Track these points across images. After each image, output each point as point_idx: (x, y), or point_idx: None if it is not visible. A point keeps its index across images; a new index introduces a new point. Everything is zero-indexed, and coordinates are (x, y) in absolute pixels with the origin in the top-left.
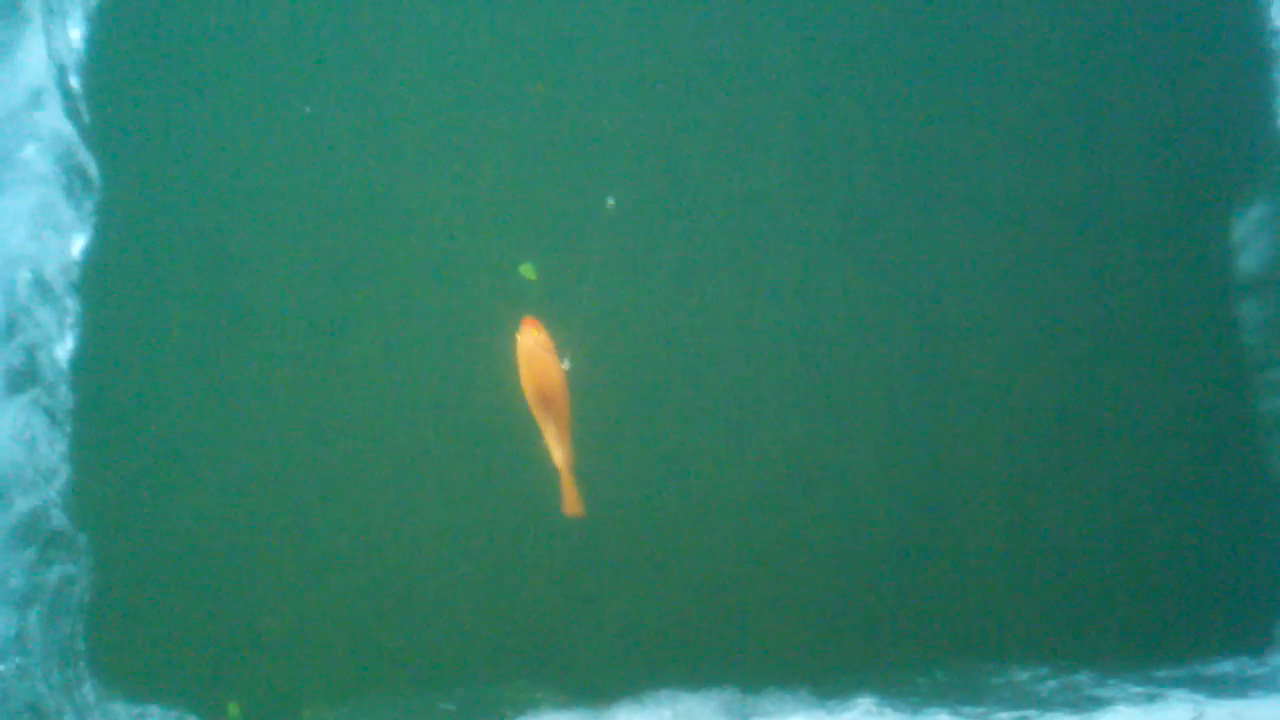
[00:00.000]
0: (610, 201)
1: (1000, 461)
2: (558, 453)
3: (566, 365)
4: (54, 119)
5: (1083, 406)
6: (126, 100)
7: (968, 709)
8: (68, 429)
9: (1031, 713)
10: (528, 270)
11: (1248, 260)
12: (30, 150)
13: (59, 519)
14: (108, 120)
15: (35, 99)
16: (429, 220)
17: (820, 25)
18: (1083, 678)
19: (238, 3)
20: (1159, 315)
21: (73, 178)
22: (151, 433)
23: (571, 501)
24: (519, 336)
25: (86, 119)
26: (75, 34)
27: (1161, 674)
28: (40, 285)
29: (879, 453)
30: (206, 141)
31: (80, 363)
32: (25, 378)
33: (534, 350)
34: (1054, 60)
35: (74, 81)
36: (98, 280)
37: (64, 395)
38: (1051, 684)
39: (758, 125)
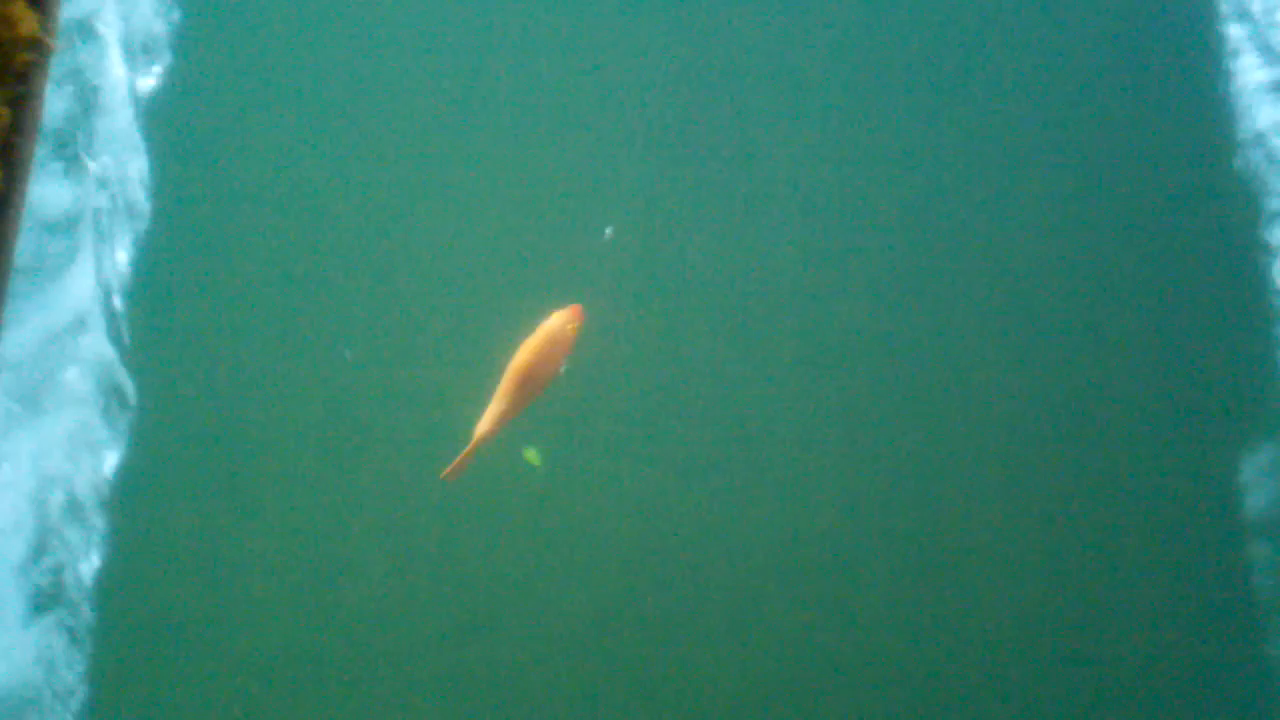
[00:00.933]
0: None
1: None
2: (488, 423)
3: (563, 369)
4: (96, 341)
5: (1093, 649)
6: (168, 322)
7: None
8: (88, 648)
9: None
10: (532, 456)
11: (1256, 502)
12: (72, 373)
13: None
14: (148, 341)
15: (80, 322)
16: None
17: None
18: None
19: (276, 233)
20: (1170, 557)
21: (110, 398)
22: (170, 653)
23: (456, 467)
24: (556, 317)
25: (127, 340)
26: (122, 257)
27: None
28: (72, 505)
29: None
30: (242, 364)
31: (104, 580)
32: (50, 599)
33: (555, 333)
34: (1072, 316)
35: (118, 303)
36: (127, 498)
37: (86, 614)
38: None
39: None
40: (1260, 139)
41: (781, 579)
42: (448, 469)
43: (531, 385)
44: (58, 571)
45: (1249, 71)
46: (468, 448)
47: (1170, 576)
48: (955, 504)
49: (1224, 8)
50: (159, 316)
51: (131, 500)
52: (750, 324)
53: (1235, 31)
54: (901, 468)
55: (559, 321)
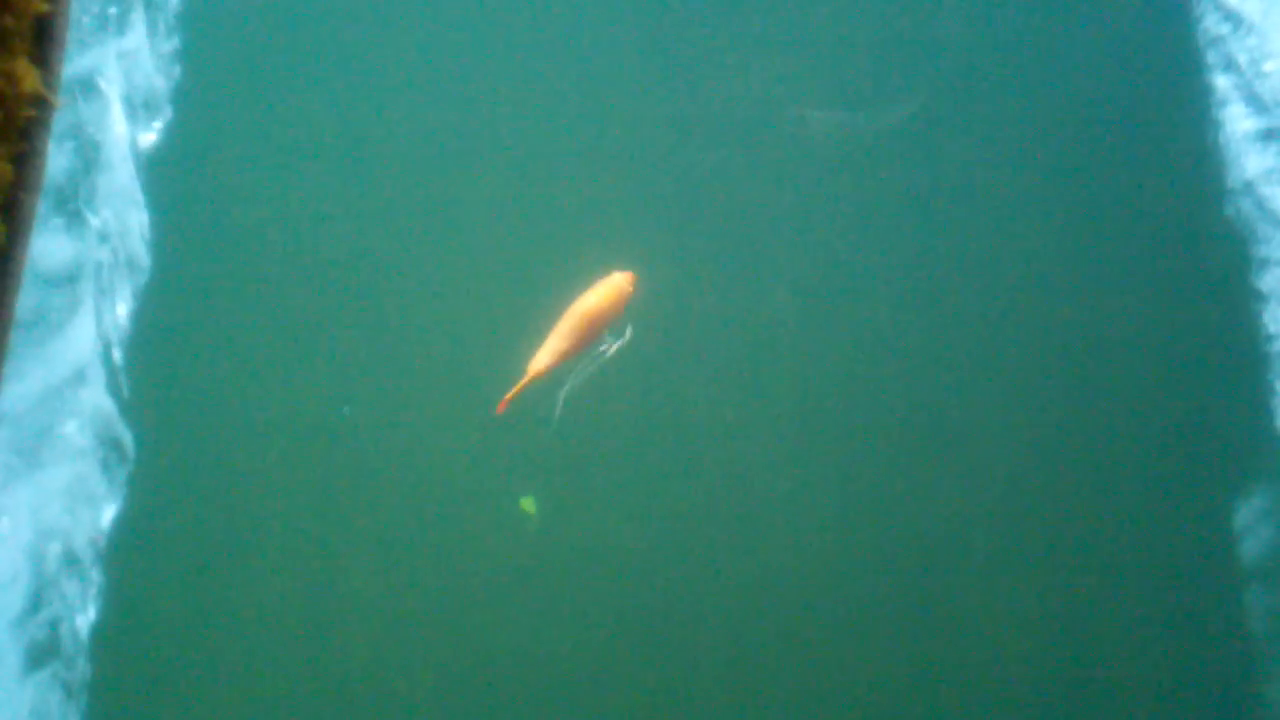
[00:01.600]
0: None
1: None
2: (542, 358)
3: (614, 343)
4: (95, 394)
5: (1092, 694)
6: (166, 374)
7: None
8: (83, 703)
9: None
10: (527, 504)
11: (1250, 548)
12: (71, 426)
13: None
14: (147, 394)
15: (80, 376)
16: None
17: None
18: None
19: (275, 286)
20: (1166, 602)
21: (108, 451)
22: (166, 707)
23: (508, 401)
24: (618, 275)
25: (126, 393)
26: (122, 310)
27: None
28: (69, 558)
29: None
30: (241, 416)
31: (101, 634)
32: (47, 653)
33: (615, 286)
34: (1066, 362)
35: (118, 356)
36: (125, 551)
37: (82, 667)
38: None
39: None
40: (1249, 187)
41: (780, 629)
42: (501, 403)
43: (588, 329)
44: (54, 625)
45: (1237, 121)
46: (521, 381)
47: (1167, 621)
48: (952, 551)
49: (1211, 59)
50: (158, 369)
51: (129, 553)
52: (749, 370)
53: (1222, 82)
54: (897, 503)
55: (619, 277)
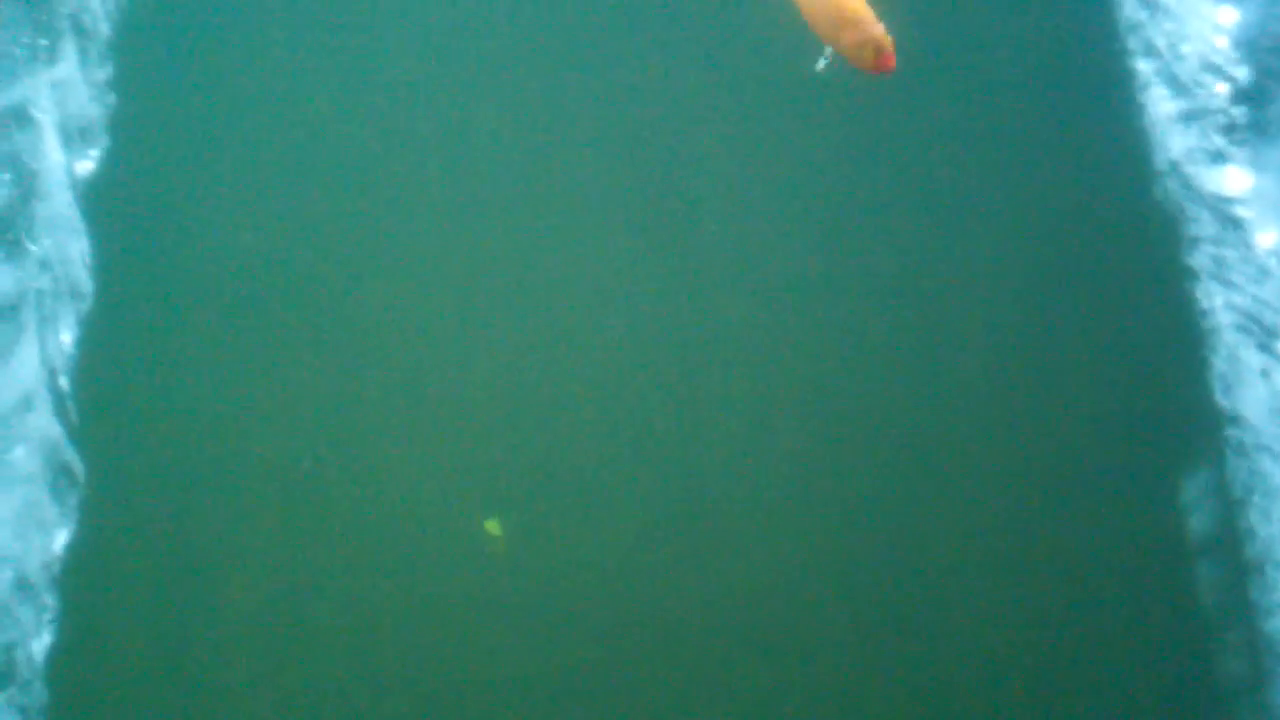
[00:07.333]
0: None
1: None
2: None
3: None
4: (43, 420)
5: (1042, 676)
6: (114, 400)
7: None
8: None
9: None
10: (493, 526)
11: (1198, 523)
12: (19, 452)
13: None
14: (94, 419)
15: (26, 402)
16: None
17: None
18: None
19: (217, 309)
20: (1119, 584)
21: (58, 476)
22: None
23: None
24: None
25: (74, 419)
26: (66, 338)
27: None
28: (22, 583)
29: None
30: (189, 439)
31: (56, 658)
32: (3, 678)
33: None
34: (1003, 348)
35: (64, 383)
36: (78, 575)
37: (39, 692)
38: None
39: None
40: (1175, 167)
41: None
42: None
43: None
44: (10, 650)
45: (1159, 103)
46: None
47: (1120, 599)
48: (901, 536)
49: (1131, 44)
50: (105, 394)
51: (82, 577)
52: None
53: (1143, 66)
54: (846, 496)
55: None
